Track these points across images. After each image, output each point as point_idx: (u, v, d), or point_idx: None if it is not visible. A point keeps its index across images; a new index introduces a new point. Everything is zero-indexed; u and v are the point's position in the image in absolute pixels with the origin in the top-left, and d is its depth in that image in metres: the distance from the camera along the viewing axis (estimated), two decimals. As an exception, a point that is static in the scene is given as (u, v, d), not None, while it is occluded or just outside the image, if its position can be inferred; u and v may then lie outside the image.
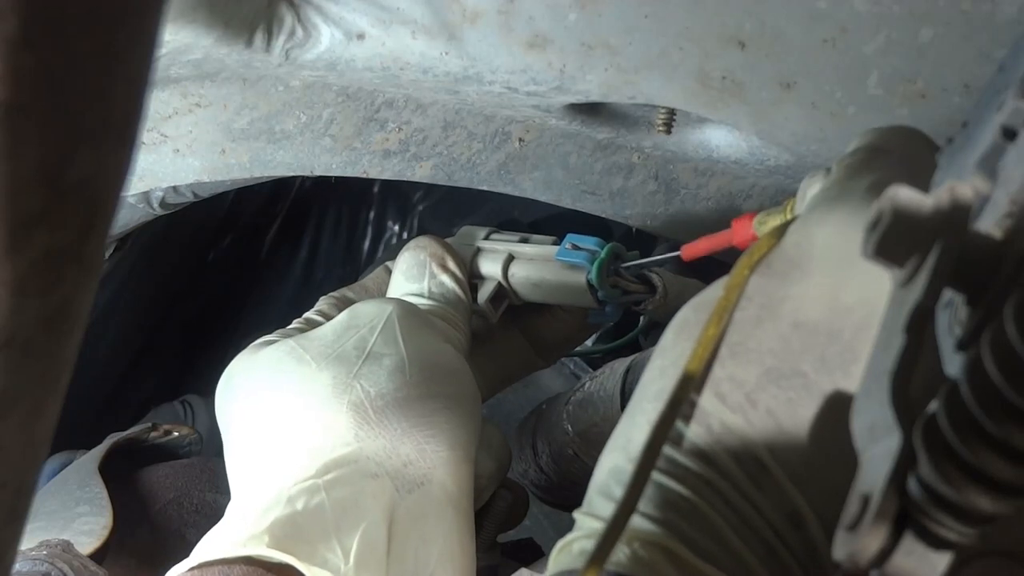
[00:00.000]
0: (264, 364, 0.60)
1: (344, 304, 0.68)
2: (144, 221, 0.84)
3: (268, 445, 0.55)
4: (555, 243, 0.71)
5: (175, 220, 0.90)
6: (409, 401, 0.56)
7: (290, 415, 0.56)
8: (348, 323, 0.61)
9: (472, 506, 0.56)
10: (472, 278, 0.71)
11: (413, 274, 0.68)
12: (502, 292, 0.71)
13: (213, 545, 0.49)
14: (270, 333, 0.64)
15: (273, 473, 0.53)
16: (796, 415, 0.36)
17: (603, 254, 0.67)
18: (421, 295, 0.67)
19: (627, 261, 0.69)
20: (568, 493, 0.72)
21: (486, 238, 0.73)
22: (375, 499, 0.51)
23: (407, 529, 0.51)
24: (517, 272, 0.71)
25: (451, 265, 0.68)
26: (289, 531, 0.49)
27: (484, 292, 0.70)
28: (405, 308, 0.62)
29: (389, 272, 0.72)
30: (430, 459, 0.54)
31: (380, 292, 0.70)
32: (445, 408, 0.56)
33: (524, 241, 0.72)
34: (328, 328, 0.61)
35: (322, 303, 0.68)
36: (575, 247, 0.68)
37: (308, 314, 0.67)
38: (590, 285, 0.67)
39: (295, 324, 0.66)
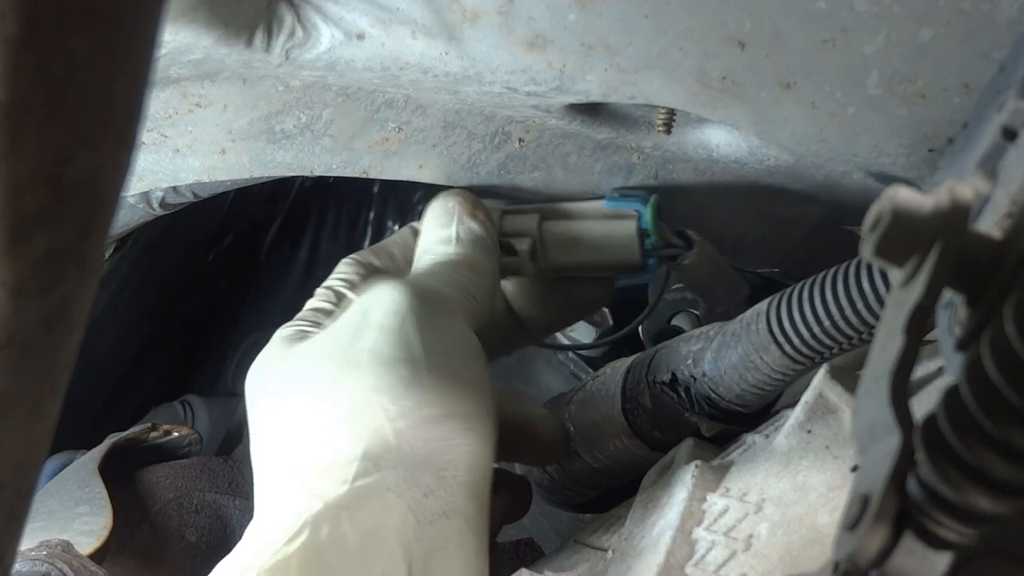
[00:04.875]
0: (295, 365, 0.59)
1: (367, 268, 0.67)
2: (144, 221, 0.84)
3: (293, 460, 0.55)
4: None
5: (175, 220, 0.90)
6: (428, 423, 0.54)
7: (317, 431, 0.55)
8: (360, 321, 0.59)
9: (488, 525, 0.55)
10: (500, 237, 0.70)
11: (442, 221, 0.67)
12: (534, 250, 0.71)
13: (235, 567, 0.49)
14: (283, 323, 0.63)
15: (296, 494, 0.52)
16: None
17: (653, 200, 0.69)
18: (449, 241, 0.66)
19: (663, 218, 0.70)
20: (569, 493, 0.72)
21: (506, 206, 0.73)
22: (396, 533, 0.51)
23: (427, 562, 0.50)
24: (553, 228, 0.71)
25: (480, 214, 0.68)
26: (314, 561, 0.49)
27: (521, 246, 0.70)
28: (414, 298, 0.59)
29: (414, 232, 0.71)
30: (450, 487, 0.53)
31: (404, 256, 0.69)
32: (465, 429, 0.55)
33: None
34: (343, 327, 0.60)
35: (345, 269, 0.67)
36: (623, 195, 0.70)
37: (331, 282, 0.66)
38: (640, 233, 0.69)
39: (317, 302, 0.64)
